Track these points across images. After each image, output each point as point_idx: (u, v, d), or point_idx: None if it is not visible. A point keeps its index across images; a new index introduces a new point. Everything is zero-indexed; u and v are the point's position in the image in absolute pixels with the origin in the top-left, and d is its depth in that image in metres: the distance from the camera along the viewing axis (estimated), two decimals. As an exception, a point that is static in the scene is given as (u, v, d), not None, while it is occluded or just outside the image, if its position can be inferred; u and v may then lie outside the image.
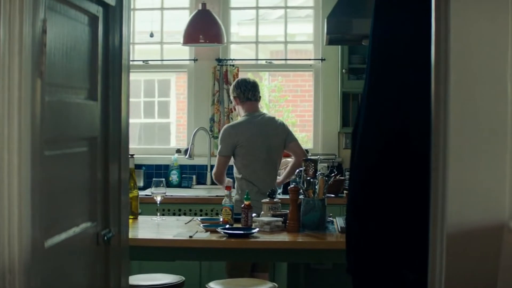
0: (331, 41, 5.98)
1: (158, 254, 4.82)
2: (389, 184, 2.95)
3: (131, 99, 8.01)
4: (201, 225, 5.03)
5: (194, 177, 7.40)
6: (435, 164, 2.35)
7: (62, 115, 2.76)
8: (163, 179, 5.60)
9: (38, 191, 2.43)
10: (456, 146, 2.30)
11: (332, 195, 5.31)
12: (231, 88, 6.36)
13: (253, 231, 4.78)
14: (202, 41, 6.84)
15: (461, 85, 2.38)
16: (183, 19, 7.09)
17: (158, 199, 5.49)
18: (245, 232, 4.79)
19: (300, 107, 9.21)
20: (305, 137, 8.08)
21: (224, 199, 5.15)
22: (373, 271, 3.03)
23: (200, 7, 6.89)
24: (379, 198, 2.97)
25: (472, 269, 2.31)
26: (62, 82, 2.79)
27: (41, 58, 2.43)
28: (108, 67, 3.29)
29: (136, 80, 8.22)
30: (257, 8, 7.65)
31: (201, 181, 7.45)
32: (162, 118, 8.45)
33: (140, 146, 7.92)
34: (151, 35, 7.13)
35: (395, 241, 2.94)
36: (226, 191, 5.19)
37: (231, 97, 6.35)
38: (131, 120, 7.33)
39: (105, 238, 3.21)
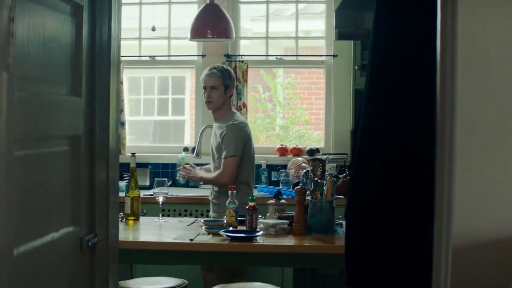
0: (341, 36, 5.74)
1: (157, 257, 4.66)
2: (391, 189, 2.73)
3: (144, 96, 8.19)
4: (203, 227, 4.84)
5: (201, 176, 7.18)
6: (440, 169, 2.13)
7: (36, 112, 2.55)
8: (166, 179, 5.43)
9: (5, 194, 2.22)
10: (463, 151, 2.09)
11: (341, 197, 5.11)
12: (225, 73, 5.86)
13: (257, 234, 4.59)
14: (210, 36, 6.66)
15: (469, 86, 2.17)
16: (191, 15, 6.88)
17: (160, 199, 5.31)
18: (248, 235, 4.61)
19: (315, 105, 9.05)
20: (318, 136, 7.88)
21: (228, 200, 4.96)
22: (375, 284, 2.81)
23: (208, 1, 6.70)
24: (380, 205, 2.75)
25: (480, 285, 2.08)
26: (38, 76, 2.58)
27: (8, 49, 2.22)
28: (95, 61, 3.07)
29: (150, 77, 8.03)
30: (267, 2, 7.46)
31: (208, 180, 7.20)
32: (177, 115, 8.26)
33: (147, 144, 7.74)
34: (153, 29, 6.93)
35: (398, 252, 2.73)
36: (230, 191, 4.99)
37: (229, 85, 5.85)
38: (144, 118, 7.16)
39: (90, 243, 3.00)
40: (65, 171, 2.86)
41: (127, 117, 7.76)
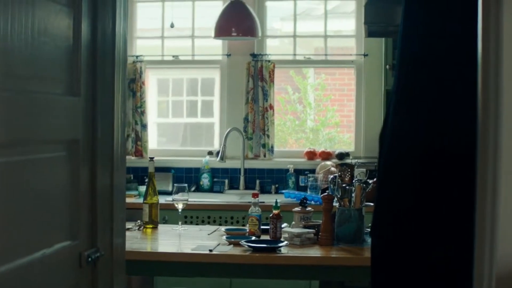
0: (370, 33, 5.42)
1: (175, 269, 4.40)
2: (424, 203, 2.43)
3: (173, 98, 7.97)
4: (224, 236, 4.57)
5: (226, 181, 6.99)
6: (482, 181, 1.81)
7: (24, 113, 2.28)
8: (186, 185, 5.14)
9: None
10: (510, 159, 1.76)
11: (371, 204, 4.84)
12: None
13: (281, 244, 4.31)
14: (235, 34, 6.43)
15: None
16: (215, 15, 6.63)
17: (180, 206, 5.04)
18: (271, 245, 4.32)
19: (347, 107, 8.80)
20: (349, 139, 7.62)
21: (250, 208, 4.68)
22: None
23: (232, -1, 6.46)
24: (412, 224, 2.45)
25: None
26: (25, 72, 2.31)
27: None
28: (96, 58, 2.79)
29: (179, 78, 7.80)
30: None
31: (234, 185, 7.02)
32: (207, 117, 8.00)
33: (171, 148, 7.50)
34: (172, 26, 6.67)
35: (433, 278, 2.42)
36: (253, 198, 4.71)
37: None
38: (174, 120, 6.93)
39: (90, 258, 2.72)
40: (61, 179, 2.59)
41: (156, 119, 7.58)
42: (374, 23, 5.18)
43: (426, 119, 2.56)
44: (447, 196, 2.38)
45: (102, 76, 2.84)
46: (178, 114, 7.87)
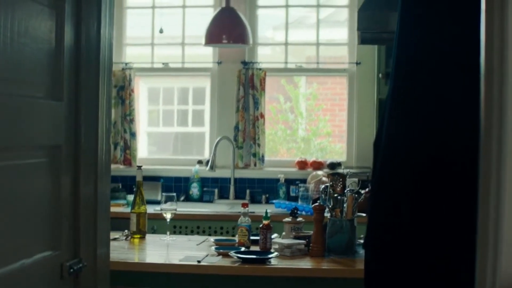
0: (364, 40, 5.34)
1: (162, 281, 4.30)
2: (422, 214, 2.33)
3: (163, 107, 7.89)
4: (213, 247, 4.47)
5: (216, 190, 6.91)
6: (485, 190, 1.71)
7: (1, 116, 2.18)
8: (175, 194, 5.05)
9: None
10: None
11: (363, 214, 4.77)
12: None
13: (271, 255, 4.23)
14: (226, 41, 6.35)
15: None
16: (206, 24, 6.55)
17: (168, 216, 4.94)
18: (261, 257, 4.24)
19: (338, 117, 8.74)
20: (340, 149, 7.55)
21: (240, 218, 4.60)
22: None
23: (223, 5, 6.38)
24: (409, 235, 2.35)
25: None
26: (4, 75, 2.21)
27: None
28: (80, 62, 2.70)
29: (170, 87, 7.72)
30: (286, 6, 7.11)
31: (223, 195, 6.94)
32: (197, 126, 7.91)
33: (161, 156, 7.41)
34: (161, 31, 6.60)
35: (432, 284, 2.33)
36: (243, 208, 4.62)
37: None
38: (164, 129, 6.83)
39: (72, 269, 2.62)
40: (42, 186, 2.49)
41: (147, 128, 7.54)
42: (367, 29, 5.10)
43: (423, 123, 2.49)
44: (445, 205, 2.29)
45: (86, 81, 2.74)
46: (168, 123, 7.79)
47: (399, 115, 2.55)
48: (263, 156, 6.90)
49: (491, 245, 1.68)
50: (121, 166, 6.97)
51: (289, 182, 6.80)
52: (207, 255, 4.33)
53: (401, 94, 2.56)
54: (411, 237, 2.36)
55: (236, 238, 4.63)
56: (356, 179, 5.21)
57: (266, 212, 4.52)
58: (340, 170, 6.47)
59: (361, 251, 4.46)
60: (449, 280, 2.27)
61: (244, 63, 6.90)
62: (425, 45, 2.55)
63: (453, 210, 2.26)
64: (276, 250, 4.38)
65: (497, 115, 1.76)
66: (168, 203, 4.98)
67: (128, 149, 6.95)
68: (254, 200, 6.79)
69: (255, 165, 6.88)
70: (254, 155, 6.86)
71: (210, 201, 6.83)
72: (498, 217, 1.65)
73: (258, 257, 4.25)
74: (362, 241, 4.59)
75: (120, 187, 6.74)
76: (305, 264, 4.23)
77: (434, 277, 2.32)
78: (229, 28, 6.36)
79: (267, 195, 6.84)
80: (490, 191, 1.70)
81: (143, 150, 7.37)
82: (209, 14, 6.83)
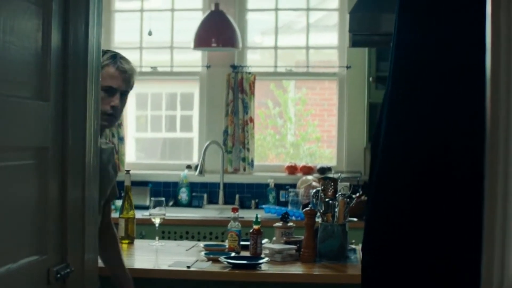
0: (355, 43, 5.32)
1: (151, 286, 4.24)
2: (425, 215, 2.28)
3: (152, 112, 7.83)
4: (203, 252, 4.42)
5: (205, 195, 6.87)
6: (492, 192, 1.66)
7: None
8: (163, 199, 4.99)
9: None
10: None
11: (355, 219, 4.73)
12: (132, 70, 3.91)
13: (261, 261, 4.19)
14: (215, 45, 6.32)
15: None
16: (195, 28, 6.50)
17: (157, 221, 4.89)
18: (251, 262, 4.21)
19: (327, 122, 8.72)
20: (330, 154, 7.53)
21: (230, 223, 4.55)
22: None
23: (212, 8, 6.33)
24: (411, 238, 2.30)
25: None
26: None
27: None
28: (67, 61, 2.63)
29: (158, 93, 7.66)
30: (276, 10, 7.08)
31: (213, 200, 6.89)
32: (186, 132, 7.87)
33: (149, 162, 7.36)
34: (150, 34, 6.54)
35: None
36: (232, 213, 4.57)
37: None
38: (152, 135, 6.76)
39: (59, 274, 2.56)
40: (28, 189, 2.43)
41: (135, 133, 7.51)
42: (358, 31, 5.07)
43: (423, 124, 2.45)
44: (445, 206, 2.24)
45: (73, 82, 2.68)
46: (157, 129, 7.73)
47: (398, 116, 2.51)
48: (252, 161, 6.87)
49: (498, 245, 1.64)
50: (110, 171, 6.90)
51: (279, 187, 6.77)
52: (196, 261, 4.28)
53: (400, 95, 2.52)
54: (411, 239, 2.31)
55: (226, 244, 4.59)
56: (347, 184, 5.18)
57: (257, 217, 4.48)
58: (330, 175, 6.44)
59: (353, 256, 4.43)
60: (450, 281, 2.23)
61: (234, 67, 6.86)
62: (424, 46, 2.51)
63: (453, 211, 2.22)
64: (266, 255, 4.34)
65: (504, 114, 1.73)
66: (157, 208, 4.93)
67: (116, 153, 6.89)
68: (244, 205, 6.75)
69: (244, 169, 6.84)
70: (244, 159, 6.82)
71: (199, 206, 6.80)
72: (505, 216, 1.60)
73: (248, 262, 4.21)
74: (353, 246, 4.56)
75: (108, 192, 6.68)
76: (296, 269, 4.19)
77: (434, 279, 2.28)
78: (218, 32, 6.32)
79: (256, 200, 6.81)
80: (497, 191, 1.65)
81: (131, 155, 7.31)
82: (198, 18, 6.78)
